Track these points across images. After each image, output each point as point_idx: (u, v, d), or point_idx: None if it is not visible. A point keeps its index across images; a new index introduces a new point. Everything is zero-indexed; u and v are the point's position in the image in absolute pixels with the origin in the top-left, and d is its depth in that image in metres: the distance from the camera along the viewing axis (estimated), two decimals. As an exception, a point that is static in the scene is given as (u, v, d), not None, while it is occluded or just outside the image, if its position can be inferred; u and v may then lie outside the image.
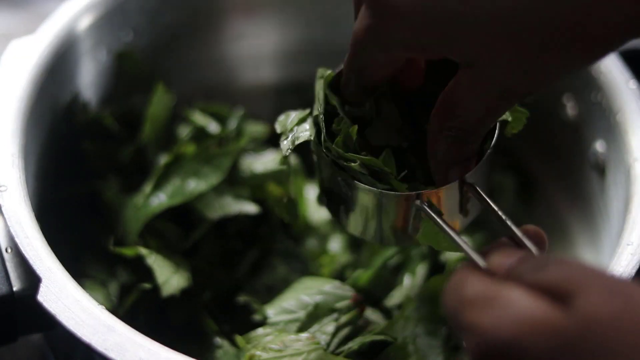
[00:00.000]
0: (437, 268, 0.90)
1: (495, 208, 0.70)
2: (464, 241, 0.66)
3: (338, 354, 0.78)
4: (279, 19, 1.06)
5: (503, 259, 0.59)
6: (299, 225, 0.94)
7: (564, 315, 0.51)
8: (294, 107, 1.07)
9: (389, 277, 0.90)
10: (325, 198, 0.79)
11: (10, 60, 0.84)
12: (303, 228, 0.95)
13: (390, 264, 0.90)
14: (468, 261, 0.63)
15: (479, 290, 0.55)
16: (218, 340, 0.83)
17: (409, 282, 0.87)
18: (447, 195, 0.72)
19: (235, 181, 0.90)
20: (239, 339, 0.79)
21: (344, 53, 0.72)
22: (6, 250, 0.74)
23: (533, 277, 0.54)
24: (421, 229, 0.72)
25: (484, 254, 0.62)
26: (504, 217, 0.68)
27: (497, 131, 0.74)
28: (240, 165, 0.91)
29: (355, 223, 0.76)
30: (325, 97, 0.76)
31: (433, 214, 0.70)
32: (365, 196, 0.73)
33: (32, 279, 0.71)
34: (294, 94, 1.08)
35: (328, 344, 0.78)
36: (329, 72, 0.76)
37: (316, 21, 1.06)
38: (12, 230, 0.72)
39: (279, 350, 0.76)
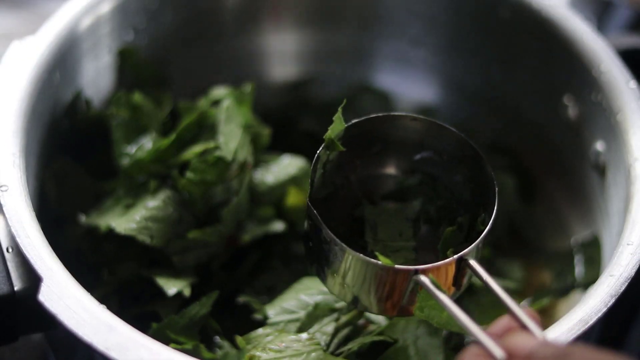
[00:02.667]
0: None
1: (494, 285, 0.69)
2: (471, 321, 0.65)
3: (338, 355, 0.78)
4: (279, 19, 1.06)
5: (521, 341, 0.59)
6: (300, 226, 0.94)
7: None
8: (297, 107, 1.08)
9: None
10: (310, 255, 0.77)
11: (11, 61, 0.84)
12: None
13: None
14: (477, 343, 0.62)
15: None
16: (219, 340, 0.83)
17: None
18: (445, 271, 0.72)
19: (258, 200, 0.90)
20: (239, 339, 0.79)
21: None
22: (7, 250, 0.74)
23: None
24: (418, 302, 0.72)
25: (490, 333, 0.62)
26: (502, 295, 0.68)
27: (495, 208, 0.74)
28: (254, 181, 0.91)
29: (342, 289, 0.75)
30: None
31: (435, 290, 0.69)
32: (358, 266, 0.72)
33: (33, 279, 0.71)
34: (296, 94, 1.08)
35: (328, 345, 0.78)
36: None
37: (317, 21, 1.06)
38: (13, 230, 0.72)
39: (279, 351, 0.76)
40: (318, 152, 0.77)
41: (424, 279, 0.70)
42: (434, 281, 0.70)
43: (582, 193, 0.95)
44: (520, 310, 0.65)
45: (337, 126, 0.77)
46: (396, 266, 0.71)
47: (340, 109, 0.76)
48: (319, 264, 0.76)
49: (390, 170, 0.83)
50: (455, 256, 0.72)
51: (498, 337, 0.63)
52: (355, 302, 0.75)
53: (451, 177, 0.80)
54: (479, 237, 0.74)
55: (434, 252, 0.78)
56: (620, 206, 0.83)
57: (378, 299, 0.73)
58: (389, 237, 0.81)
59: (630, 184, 0.81)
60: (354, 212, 0.82)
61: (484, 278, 0.70)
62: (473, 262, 0.72)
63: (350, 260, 0.72)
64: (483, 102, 1.05)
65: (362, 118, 0.78)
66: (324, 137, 0.76)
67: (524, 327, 0.64)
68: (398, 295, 0.72)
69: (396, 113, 0.80)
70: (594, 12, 1.13)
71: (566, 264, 0.95)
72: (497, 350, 0.61)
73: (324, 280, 0.76)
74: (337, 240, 0.72)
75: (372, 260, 0.71)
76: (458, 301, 0.74)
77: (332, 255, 0.73)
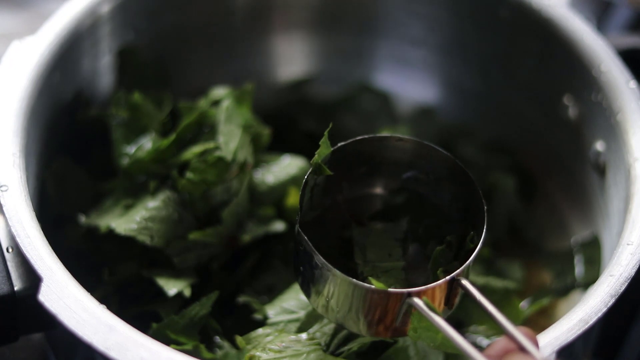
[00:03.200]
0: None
1: (488, 305, 0.69)
2: (468, 343, 0.65)
3: (338, 355, 0.77)
4: (280, 20, 1.06)
5: None
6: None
7: None
8: (297, 107, 1.08)
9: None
10: (302, 279, 0.77)
11: (11, 60, 0.84)
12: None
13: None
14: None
15: None
16: (219, 340, 0.83)
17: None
18: (437, 292, 0.72)
19: (258, 201, 0.90)
20: (239, 339, 0.79)
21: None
22: (7, 250, 0.74)
23: None
24: (411, 324, 0.71)
25: (488, 355, 0.62)
26: (497, 315, 0.68)
27: (484, 229, 0.74)
28: (255, 181, 0.91)
29: (334, 312, 0.75)
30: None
31: (429, 312, 0.69)
32: (351, 290, 0.72)
33: (33, 279, 0.71)
34: (296, 94, 1.08)
35: (328, 345, 0.78)
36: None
37: (317, 21, 1.06)
38: (13, 230, 0.72)
39: (279, 351, 0.76)
40: (306, 176, 0.77)
41: (417, 301, 0.70)
42: (427, 303, 0.70)
43: (582, 193, 0.95)
44: (516, 330, 0.65)
45: (323, 150, 0.77)
46: (389, 289, 0.71)
47: (326, 133, 0.76)
48: (309, 289, 0.76)
49: (377, 190, 0.83)
50: (448, 277, 0.72)
51: (495, 358, 0.63)
52: (348, 325, 0.75)
53: (438, 195, 0.81)
54: (468, 254, 0.74)
55: (424, 271, 0.79)
56: (620, 206, 0.83)
57: (371, 322, 0.73)
58: (378, 258, 0.81)
59: (630, 184, 0.81)
60: (342, 233, 0.82)
61: (478, 298, 0.70)
62: (465, 282, 0.72)
63: (343, 285, 0.72)
64: (483, 102, 1.05)
65: (348, 141, 0.78)
66: (310, 162, 0.76)
67: (521, 348, 0.64)
68: (391, 318, 0.72)
69: (382, 134, 0.80)
70: (594, 12, 1.13)
71: (566, 264, 0.95)
72: None
73: (316, 306, 0.76)
74: (329, 265, 0.72)
75: (366, 284, 0.71)
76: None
77: (324, 280, 0.73)
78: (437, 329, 0.69)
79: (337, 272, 0.72)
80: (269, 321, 0.82)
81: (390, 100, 1.08)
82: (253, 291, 0.88)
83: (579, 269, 0.94)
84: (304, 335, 0.78)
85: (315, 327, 0.80)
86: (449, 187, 0.80)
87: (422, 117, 1.07)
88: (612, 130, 0.86)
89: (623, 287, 0.74)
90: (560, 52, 0.93)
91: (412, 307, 0.71)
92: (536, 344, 0.65)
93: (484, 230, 0.74)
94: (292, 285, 0.85)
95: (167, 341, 0.75)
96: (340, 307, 0.74)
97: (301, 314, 0.82)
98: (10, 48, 0.85)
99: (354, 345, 0.78)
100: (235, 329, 0.82)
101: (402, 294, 0.71)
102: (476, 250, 0.73)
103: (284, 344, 0.77)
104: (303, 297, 0.82)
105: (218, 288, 0.83)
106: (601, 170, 0.89)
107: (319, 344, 0.77)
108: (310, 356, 0.76)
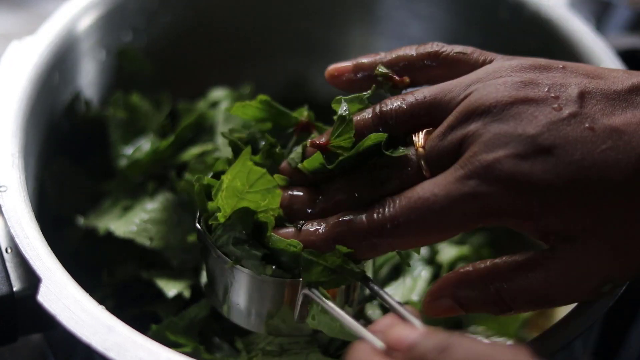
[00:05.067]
0: (438, 272, 0.90)
1: (377, 288, 0.70)
2: (359, 323, 0.66)
3: (337, 357, 0.77)
4: (279, 19, 1.06)
5: (403, 333, 0.60)
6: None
7: None
8: (297, 107, 1.08)
9: (389, 278, 0.89)
10: (206, 283, 0.77)
11: (10, 61, 0.84)
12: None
13: (392, 263, 0.89)
14: (363, 340, 0.63)
15: None
16: (218, 341, 0.83)
17: (410, 283, 0.87)
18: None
19: None
20: (238, 342, 0.79)
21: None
22: (6, 251, 0.74)
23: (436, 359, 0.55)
24: (310, 314, 0.72)
25: (374, 330, 0.63)
26: (383, 294, 0.69)
27: None
28: None
29: (236, 311, 0.75)
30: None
31: (323, 299, 0.69)
32: (247, 282, 0.72)
33: (32, 279, 0.71)
34: (296, 94, 1.08)
35: (327, 347, 0.78)
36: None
37: (318, 21, 1.06)
38: (12, 231, 0.72)
39: (278, 353, 0.76)
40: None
41: (313, 290, 0.70)
42: (322, 292, 0.70)
43: (582, 193, 0.94)
44: (402, 307, 0.66)
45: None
46: (288, 280, 0.71)
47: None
48: (217, 295, 0.75)
49: None
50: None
51: (381, 332, 0.63)
52: (259, 326, 0.75)
53: None
54: None
55: None
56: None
57: (276, 316, 0.73)
58: None
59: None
60: None
61: (370, 285, 0.71)
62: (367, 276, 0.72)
63: (242, 279, 0.72)
64: (483, 102, 1.04)
65: None
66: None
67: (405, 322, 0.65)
68: (291, 309, 0.72)
69: None
70: (594, 12, 1.13)
71: (566, 264, 0.95)
72: (377, 342, 0.61)
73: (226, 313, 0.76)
74: (225, 258, 0.71)
75: (261, 276, 0.71)
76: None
77: (223, 276, 0.73)
78: (334, 317, 0.69)
79: (232, 263, 0.71)
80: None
81: (390, 100, 1.08)
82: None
83: (578, 269, 0.94)
84: (302, 337, 0.78)
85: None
86: None
87: (421, 117, 1.07)
88: (612, 131, 0.86)
89: (623, 287, 0.73)
90: (559, 52, 0.93)
91: (309, 298, 0.71)
92: (419, 318, 0.66)
93: None
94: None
95: (166, 342, 0.75)
96: (243, 306, 0.74)
97: (300, 315, 0.81)
98: (9, 48, 0.85)
99: (353, 347, 0.78)
100: (235, 330, 0.82)
101: (298, 282, 0.70)
102: None
103: (283, 345, 0.76)
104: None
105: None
106: (601, 171, 0.89)
107: (317, 345, 0.77)
108: (309, 358, 0.76)
